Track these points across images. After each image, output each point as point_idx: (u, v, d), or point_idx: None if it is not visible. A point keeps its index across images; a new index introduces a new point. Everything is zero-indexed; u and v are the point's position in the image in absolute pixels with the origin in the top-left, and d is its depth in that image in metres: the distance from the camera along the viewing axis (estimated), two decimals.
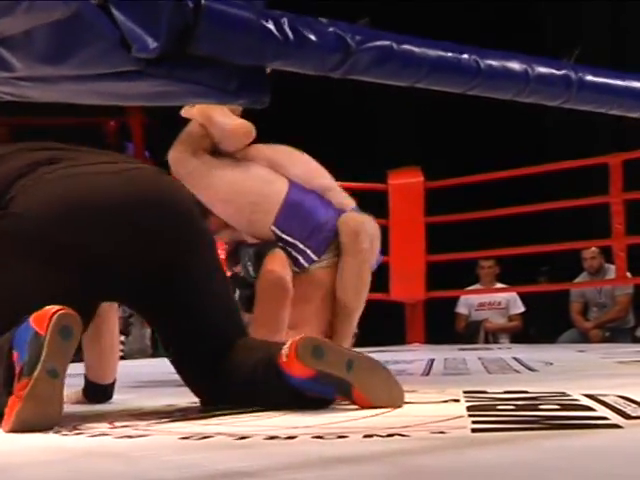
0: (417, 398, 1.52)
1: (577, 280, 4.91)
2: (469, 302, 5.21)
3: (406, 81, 1.09)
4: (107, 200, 1.43)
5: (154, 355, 3.98)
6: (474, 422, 1.20)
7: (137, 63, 0.88)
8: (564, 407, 1.34)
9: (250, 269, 2.24)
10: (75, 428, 1.28)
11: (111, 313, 1.74)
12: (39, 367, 1.20)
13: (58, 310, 1.23)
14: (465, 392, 1.59)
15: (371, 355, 1.49)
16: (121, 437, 1.20)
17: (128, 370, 2.26)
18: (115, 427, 1.30)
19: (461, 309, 5.21)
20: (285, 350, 1.35)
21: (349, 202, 2.37)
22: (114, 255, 1.42)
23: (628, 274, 4.35)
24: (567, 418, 1.22)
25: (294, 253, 2.22)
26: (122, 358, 2.07)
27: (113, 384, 1.80)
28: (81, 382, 1.79)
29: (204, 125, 2.23)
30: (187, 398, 1.59)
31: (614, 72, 1.30)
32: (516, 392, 1.58)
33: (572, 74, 1.21)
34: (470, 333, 5.04)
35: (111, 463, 1.02)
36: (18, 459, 1.06)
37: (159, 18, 0.87)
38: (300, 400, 1.36)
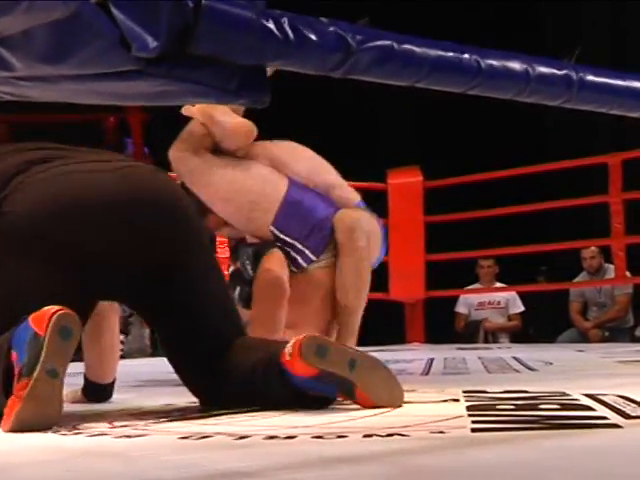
0: (417, 398, 1.52)
1: (576, 280, 4.91)
2: (468, 301, 5.21)
3: (407, 81, 1.08)
4: (100, 198, 1.42)
5: (153, 354, 3.98)
6: (474, 422, 1.20)
7: (137, 62, 0.88)
8: (564, 407, 1.34)
9: (248, 268, 2.24)
10: (74, 428, 1.28)
11: (111, 312, 1.74)
12: (39, 367, 1.20)
13: (57, 310, 1.23)
14: (465, 392, 1.59)
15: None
16: (120, 437, 1.19)
17: (127, 369, 2.26)
18: (114, 427, 1.30)
19: (460, 308, 5.21)
20: (288, 349, 1.35)
21: (354, 197, 2.35)
22: (109, 253, 1.42)
23: (627, 274, 4.35)
24: (567, 418, 1.22)
25: (292, 253, 2.22)
26: (121, 357, 2.07)
27: (113, 384, 1.80)
28: (80, 381, 1.79)
29: (205, 124, 2.23)
30: (186, 398, 1.59)
31: (615, 72, 1.30)
32: (516, 392, 1.57)
33: (573, 74, 1.21)
34: (469, 332, 5.04)
35: (110, 463, 1.01)
36: (17, 459, 1.06)
37: (159, 17, 0.87)
38: (302, 399, 1.36)
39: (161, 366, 1.85)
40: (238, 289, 2.27)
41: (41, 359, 1.20)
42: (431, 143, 5.73)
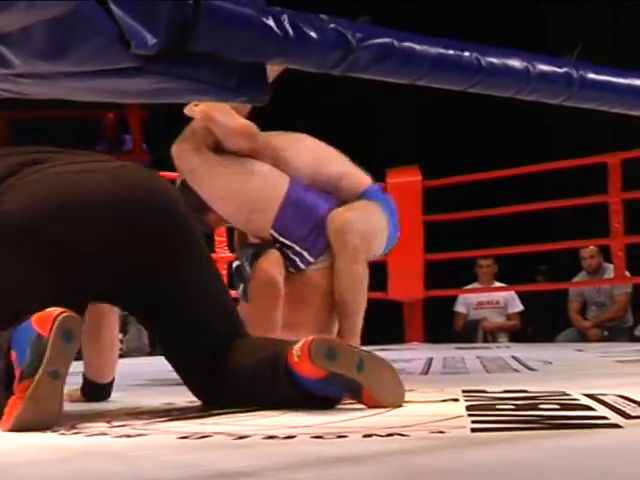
0: (416, 397, 1.51)
1: (576, 279, 4.91)
2: (468, 301, 5.21)
3: (407, 79, 1.08)
4: (91, 198, 1.43)
5: (152, 353, 3.98)
6: (473, 422, 1.20)
7: (136, 59, 0.87)
8: (564, 407, 1.34)
9: (247, 269, 2.25)
10: (73, 427, 1.28)
11: (111, 311, 1.74)
12: (41, 369, 1.21)
13: (61, 312, 1.24)
14: (464, 391, 1.59)
15: None
16: (119, 436, 1.19)
17: (126, 368, 2.25)
18: (113, 426, 1.30)
19: (460, 308, 5.21)
20: (296, 350, 1.34)
21: (364, 181, 2.32)
22: (101, 252, 1.42)
23: (627, 273, 4.35)
24: (567, 418, 1.22)
25: (291, 255, 2.22)
26: (120, 356, 2.07)
27: (111, 383, 1.80)
28: (79, 380, 1.78)
29: (207, 125, 2.22)
30: (185, 397, 1.58)
31: (616, 70, 1.29)
32: (515, 391, 1.57)
33: (574, 72, 1.21)
34: (469, 332, 5.04)
35: (109, 463, 1.01)
36: (16, 458, 1.06)
37: (158, 14, 0.87)
38: (308, 400, 1.36)
39: (160, 365, 1.84)
40: (242, 286, 2.27)
41: (44, 361, 1.21)
42: (430, 142, 5.73)
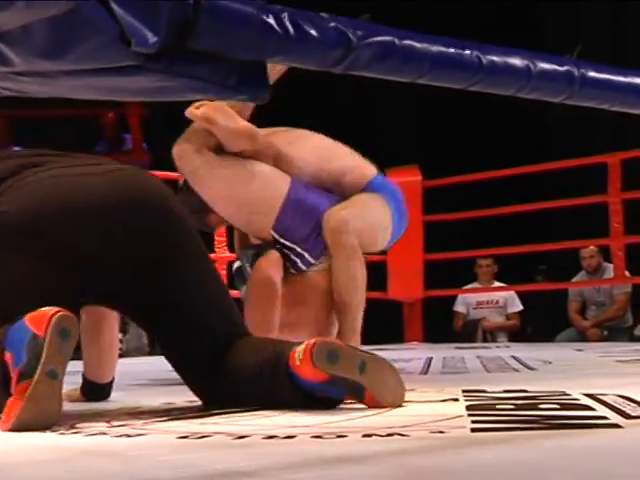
0: (416, 397, 1.51)
1: (575, 279, 4.91)
2: (467, 301, 5.21)
3: (408, 77, 1.08)
4: (90, 200, 1.44)
5: (151, 353, 3.98)
6: (473, 422, 1.19)
7: (136, 58, 0.87)
8: (564, 407, 1.34)
9: (248, 270, 2.25)
10: (72, 427, 1.28)
11: (111, 312, 1.74)
12: (39, 369, 1.21)
13: (57, 312, 1.24)
14: (464, 391, 1.59)
15: None
16: (118, 436, 1.19)
17: (126, 368, 2.25)
18: (112, 426, 1.29)
19: (459, 308, 5.21)
20: (298, 354, 1.33)
21: (369, 172, 2.30)
22: (99, 253, 1.42)
23: (626, 273, 4.35)
24: (567, 418, 1.22)
25: (292, 256, 2.22)
26: (119, 356, 2.07)
27: (111, 383, 1.80)
28: (79, 380, 1.78)
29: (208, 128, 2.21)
30: (185, 397, 1.58)
31: (616, 68, 1.29)
32: (515, 391, 1.57)
33: (574, 70, 1.20)
34: (468, 332, 5.04)
35: (108, 462, 1.01)
36: (15, 458, 1.06)
37: (159, 12, 0.86)
38: (309, 401, 1.36)
39: (159, 365, 1.84)
40: (244, 288, 2.28)
41: (41, 361, 1.21)
42: (430, 142, 5.72)
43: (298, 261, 2.22)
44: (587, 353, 3.16)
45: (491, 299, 5.16)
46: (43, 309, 1.25)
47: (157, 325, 1.51)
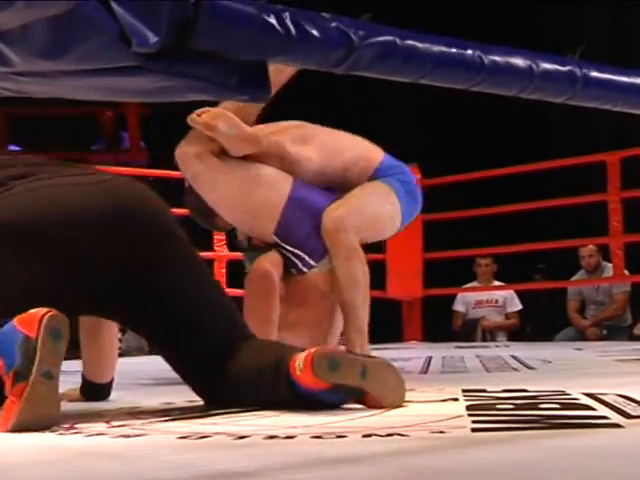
0: (416, 397, 1.51)
1: (574, 278, 4.91)
2: (466, 300, 5.21)
3: (409, 77, 1.07)
4: (86, 208, 1.45)
5: (151, 352, 3.97)
6: (474, 422, 1.19)
7: (137, 58, 0.87)
8: (564, 406, 1.34)
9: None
10: (72, 427, 1.28)
11: None
12: (34, 370, 1.21)
13: (46, 312, 1.24)
14: (464, 391, 1.59)
15: None
16: (118, 437, 1.19)
17: (126, 368, 2.25)
18: (112, 426, 1.29)
19: (458, 307, 5.21)
20: (299, 363, 1.33)
21: (376, 160, 2.27)
22: (92, 258, 1.44)
23: (626, 272, 4.35)
24: (567, 417, 1.22)
25: (293, 259, 2.22)
26: (119, 355, 2.06)
27: (111, 383, 1.79)
28: (78, 379, 1.78)
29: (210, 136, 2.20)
30: (185, 396, 1.58)
31: (619, 68, 1.29)
32: (515, 391, 1.57)
33: (577, 70, 1.20)
34: (467, 331, 5.03)
35: (108, 463, 1.01)
36: (15, 459, 1.06)
37: (159, 12, 0.86)
38: (310, 405, 1.36)
39: (159, 364, 1.84)
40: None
41: (36, 362, 1.21)
42: (430, 141, 5.72)
43: (299, 263, 2.22)
44: (586, 352, 3.16)
45: (490, 298, 5.15)
46: (32, 310, 1.25)
47: (154, 330, 1.51)
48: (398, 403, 1.40)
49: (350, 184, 2.27)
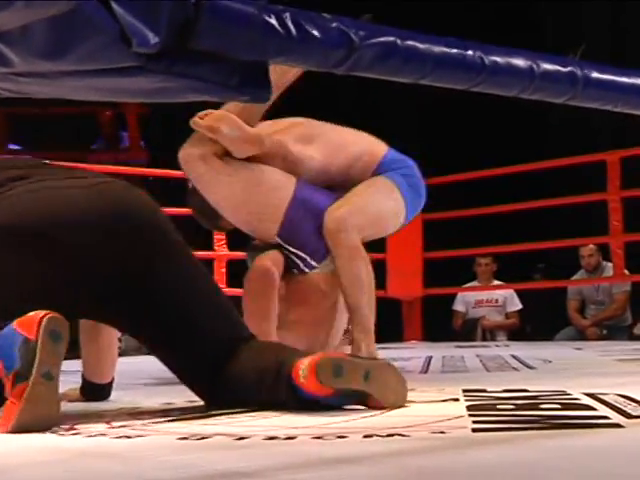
0: (416, 397, 1.51)
1: (574, 277, 4.91)
2: (466, 299, 5.20)
3: (410, 77, 1.07)
4: (80, 211, 1.45)
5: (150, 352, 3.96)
6: (474, 422, 1.19)
7: (137, 58, 0.87)
8: (565, 406, 1.34)
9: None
10: (72, 428, 1.28)
11: None
12: (34, 372, 1.22)
13: (46, 314, 1.25)
14: (464, 391, 1.59)
15: None
16: (118, 437, 1.19)
17: (125, 367, 2.25)
18: (112, 427, 1.29)
19: (458, 306, 5.21)
20: (303, 371, 1.33)
21: (379, 154, 2.26)
22: (86, 260, 1.44)
23: (626, 271, 4.35)
24: (568, 417, 1.22)
25: (295, 259, 2.22)
26: (119, 355, 2.06)
27: (111, 383, 1.79)
28: (78, 379, 1.78)
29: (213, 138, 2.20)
30: (185, 397, 1.58)
31: (620, 69, 1.29)
32: (516, 391, 1.57)
33: (578, 71, 1.20)
34: (467, 330, 5.03)
35: (108, 463, 1.01)
36: (15, 460, 1.06)
37: (160, 12, 0.86)
38: (311, 408, 1.36)
39: (158, 364, 1.84)
40: None
41: (36, 363, 1.22)
42: (430, 141, 5.71)
43: (300, 264, 2.22)
44: (587, 352, 3.16)
45: (490, 298, 5.15)
46: (31, 313, 1.26)
47: (153, 331, 1.50)
48: (400, 404, 1.40)
49: (353, 180, 2.25)
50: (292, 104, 2.27)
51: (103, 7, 0.85)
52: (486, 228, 4.71)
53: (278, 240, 2.22)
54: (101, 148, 7.14)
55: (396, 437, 1.09)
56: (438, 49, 1.05)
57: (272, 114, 2.26)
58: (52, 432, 1.23)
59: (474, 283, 5.20)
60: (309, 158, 2.24)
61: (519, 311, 5.13)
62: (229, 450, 1.06)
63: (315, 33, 0.94)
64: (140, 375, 2.41)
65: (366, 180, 2.26)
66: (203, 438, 1.14)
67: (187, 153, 2.22)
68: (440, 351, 3.31)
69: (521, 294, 5.11)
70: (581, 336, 4.74)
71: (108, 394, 1.78)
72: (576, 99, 1.22)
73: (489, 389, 1.62)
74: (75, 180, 1.53)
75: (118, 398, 1.77)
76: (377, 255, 4.06)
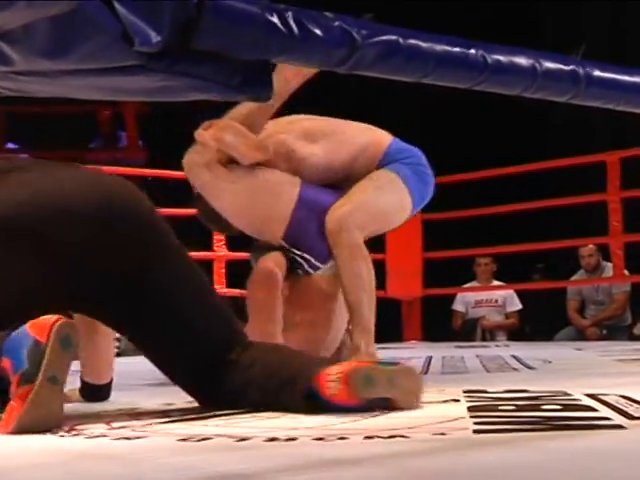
0: None
1: (574, 278, 4.91)
2: (466, 299, 5.20)
3: (412, 76, 1.07)
4: (73, 203, 1.44)
5: None
6: (475, 423, 1.19)
7: (139, 57, 0.86)
8: (566, 407, 1.33)
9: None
10: (72, 429, 1.27)
11: None
12: (41, 375, 1.22)
13: (58, 319, 1.25)
14: (465, 392, 1.58)
15: None
16: (118, 438, 1.18)
17: (124, 368, 2.24)
18: (112, 428, 1.29)
19: (458, 306, 5.20)
20: (333, 383, 1.32)
21: (383, 145, 2.25)
22: (81, 255, 1.43)
23: (625, 272, 4.35)
24: (569, 419, 1.22)
25: (300, 260, 2.21)
26: (117, 355, 2.06)
27: (110, 383, 1.79)
28: (77, 380, 1.77)
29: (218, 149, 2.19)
30: (185, 397, 1.57)
31: (622, 68, 1.28)
32: (516, 391, 1.57)
33: (580, 70, 1.19)
34: (467, 330, 5.03)
35: (108, 465, 1.00)
36: (15, 461, 1.05)
37: (162, 11, 0.85)
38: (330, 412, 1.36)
39: None
40: None
41: (43, 366, 1.22)
42: (431, 141, 5.71)
43: (305, 265, 2.22)
44: (587, 352, 3.15)
45: (490, 298, 5.15)
46: (45, 316, 1.26)
47: (145, 332, 1.50)
48: (416, 406, 1.40)
49: (358, 175, 2.23)
50: (294, 104, 2.27)
51: (105, 6, 0.84)
52: (486, 228, 4.71)
53: (283, 244, 2.21)
54: (99, 147, 7.13)
55: (397, 438, 1.09)
56: (440, 48, 1.05)
57: (273, 115, 2.25)
58: (52, 433, 1.23)
59: (474, 283, 5.20)
60: (312, 155, 2.23)
61: (519, 311, 5.13)
62: (230, 451, 1.06)
63: (317, 32, 0.94)
64: (140, 376, 2.41)
65: (370, 174, 2.24)
66: (203, 439, 1.13)
67: (191, 160, 2.21)
68: (440, 351, 3.30)
69: (521, 294, 5.11)
70: (581, 336, 4.74)
71: (107, 395, 1.77)
72: (578, 98, 1.21)
73: (489, 390, 1.62)
74: (70, 171, 1.51)
75: (117, 399, 1.76)
76: (377, 255, 4.06)
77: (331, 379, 1.33)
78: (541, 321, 5.23)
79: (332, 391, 1.32)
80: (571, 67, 1.19)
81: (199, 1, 0.87)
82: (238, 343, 1.51)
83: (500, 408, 1.37)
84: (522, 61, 1.14)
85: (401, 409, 1.37)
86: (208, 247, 4.10)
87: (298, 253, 2.21)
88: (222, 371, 1.46)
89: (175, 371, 1.52)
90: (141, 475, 0.93)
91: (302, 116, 2.33)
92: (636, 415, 1.22)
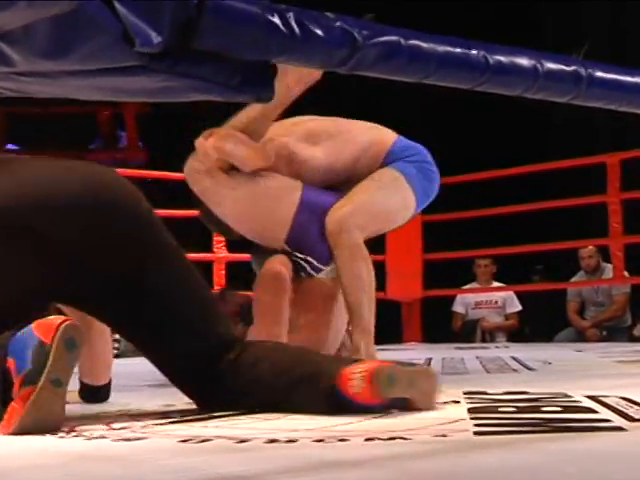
0: None
1: (574, 279, 4.91)
2: (466, 301, 5.20)
3: (414, 77, 1.06)
4: (68, 201, 1.43)
5: None
6: (476, 425, 1.19)
7: (140, 58, 0.86)
8: (566, 409, 1.33)
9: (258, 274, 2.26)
10: (72, 430, 1.27)
11: None
12: (44, 376, 1.21)
13: (64, 321, 1.25)
14: (465, 393, 1.58)
15: None
16: (119, 440, 1.18)
17: (124, 369, 2.24)
18: (112, 429, 1.29)
19: (458, 308, 5.20)
20: (357, 382, 1.31)
21: (386, 143, 2.24)
22: (75, 250, 1.42)
23: (625, 273, 4.35)
24: (570, 420, 1.21)
25: (302, 263, 2.21)
26: (116, 356, 2.05)
27: (109, 384, 1.78)
28: (77, 381, 1.77)
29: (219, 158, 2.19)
30: (185, 399, 1.57)
31: (623, 68, 1.28)
32: (517, 393, 1.57)
33: (582, 70, 1.19)
34: (467, 332, 5.03)
35: (108, 466, 1.00)
36: (15, 463, 1.05)
37: (162, 12, 0.85)
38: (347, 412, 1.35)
39: None
40: None
41: (47, 368, 1.21)
42: (431, 141, 5.71)
43: (307, 267, 2.21)
44: (587, 354, 3.15)
45: (490, 299, 5.15)
46: (51, 317, 1.26)
47: (143, 333, 1.49)
48: (433, 407, 1.40)
49: (361, 174, 2.22)
50: (295, 106, 2.26)
51: (106, 7, 0.84)
52: (486, 230, 4.71)
53: (286, 247, 2.21)
54: (99, 148, 7.13)
55: (397, 440, 1.09)
56: (442, 48, 1.05)
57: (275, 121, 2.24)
58: (53, 434, 1.22)
59: (474, 284, 5.20)
60: (313, 158, 2.23)
61: (519, 312, 5.13)
62: (230, 453, 1.05)
63: (318, 32, 0.94)
64: (139, 377, 2.41)
65: (373, 173, 2.23)
66: (204, 441, 1.13)
67: (192, 167, 2.21)
68: (440, 352, 3.30)
69: (521, 295, 5.11)
70: (581, 337, 4.74)
71: (106, 396, 1.77)
72: (580, 98, 1.21)
73: (490, 391, 1.62)
74: (62, 167, 1.50)
75: (117, 400, 1.76)
76: (377, 257, 4.06)
77: (355, 377, 1.32)
78: (541, 322, 5.23)
79: (355, 390, 1.31)
80: (573, 68, 1.19)
81: (199, 1, 0.87)
82: (236, 343, 1.51)
83: (500, 410, 1.36)
84: (524, 62, 1.14)
85: (419, 410, 1.37)
86: (208, 249, 4.10)
87: (301, 256, 2.21)
88: (221, 371, 1.46)
89: (174, 371, 1.52)
90: (141, 476, 0.93)
91: (307, 117, 2.32)
92: (636, 417, 1.22)
